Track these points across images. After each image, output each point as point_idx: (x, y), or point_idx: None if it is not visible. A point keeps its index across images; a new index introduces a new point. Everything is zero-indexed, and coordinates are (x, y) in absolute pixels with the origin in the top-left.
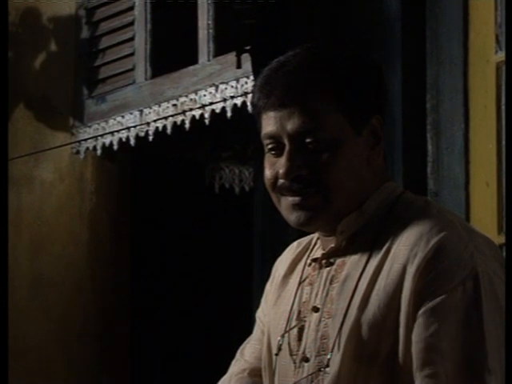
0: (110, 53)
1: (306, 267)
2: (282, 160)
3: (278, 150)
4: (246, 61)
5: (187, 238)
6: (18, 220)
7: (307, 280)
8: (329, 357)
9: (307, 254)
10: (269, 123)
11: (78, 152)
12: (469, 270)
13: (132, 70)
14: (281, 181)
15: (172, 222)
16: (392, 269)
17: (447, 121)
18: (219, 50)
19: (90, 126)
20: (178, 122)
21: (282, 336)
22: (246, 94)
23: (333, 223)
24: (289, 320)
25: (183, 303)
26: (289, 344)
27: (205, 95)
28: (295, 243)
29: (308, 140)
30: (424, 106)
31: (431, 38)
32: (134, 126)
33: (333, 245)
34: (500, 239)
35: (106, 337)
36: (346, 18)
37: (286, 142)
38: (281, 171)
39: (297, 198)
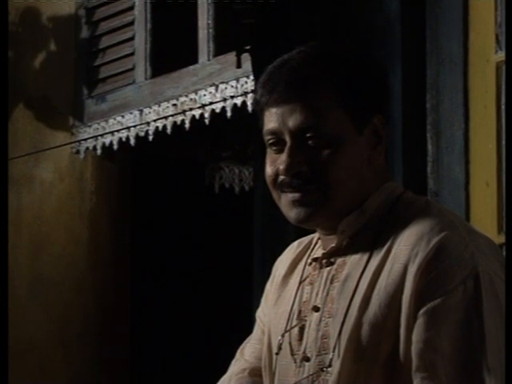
0: (109, 52)
1: (307, 267)
2: (283, 156)
3: (279, 146)
4: (246, 60)
5: (187, 238)
6: (18, 220)
7: (308, 279)
8: (330, 356)
9: (308, 253)
10: (271, 119)
11: (77, 152)
12: (469, 270)
13: (132, 69)
14: (281, 177)
15: (172, 221)
16: (393, 269)
17: (447, 121)
18: (219, 50)
19: (89, 126)
20: (178, 122)
21: (283, 335)
22: (245, 93)
23: (332, 221)
24: (289, 319)
25: (183, 303)
26: (290, 343)
27: (205, 95)
28: (296, 243)
29: (309, 136)
30: (424, 106)
31: (431, 38)
32: (134, 126)
33: (333, 244)
34: (500, 239)
35: (106, 337)
36: (346, 18)
37: (287, 138)
38: (281, 167)
39: (297, 195)
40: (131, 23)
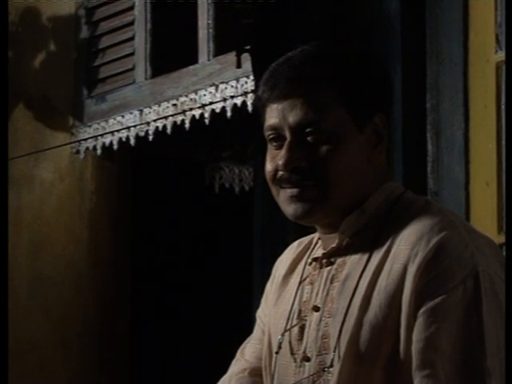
0: (109, 52)
1: (307, 266)
2: (282, 152)
3: (279, 142)
4: (246, 60)
5: (187, 238)
6: (18, 220)
7: (308, 279)
8: (331, 357)
9: (308, 253)
10: (272, 115)
11: (77, 152)
12: (469, 270)
13: (132, 69)
14: (280, 172)
15: (172, 221)
16: (393, 268)
17: (447, 120)
18: (219, 50)
19: (89, 126)
20: (178, 122)
21: (283, 334)
22: (245, 93)
23: (331, 218)
24: (289, 319)
25: (183, 303)
26: (290, 343)
27: (205, 95)
28: (296, 243)
29: (309, 132)
30: (424, 106)
31: (431, 38)
32: (134, 126)
33: (333, 244)
34: (500, 239)
35: (106, 336)
36: (346, 18)
37: (287, 133)
38: (280, 162)
39: (295, 190)
40: (131, 23)
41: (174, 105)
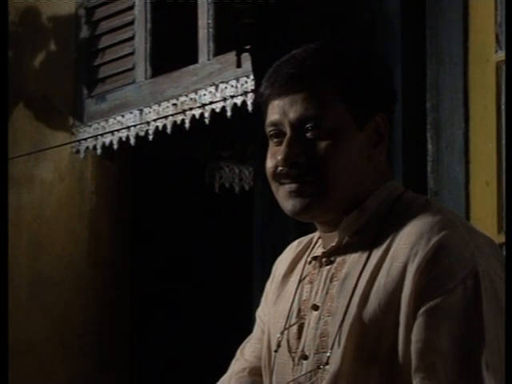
0: (109, 52)
1: (306, 265)
2: (282, 147)
3: (279, 138)
4: (246, 60)
5: (187, 238)
6: (18, 219)
7: (307, 278)
8: (328, 354)
9: (308, 252)
10: (273, 112)
11: (77, 151)
12: (469, 269)
13: (132, 69)
14: (279, 168)
15: (172, 221)
16: (392, 267)
17: (447, 120)
18: (219, 50)
19: (89, 126)
20: (178, 122)
21: (282, 333)
22: (245, 93)
23: (329, 214)
24: (288, 318)
25: (183, 303)
26: (288, 341)
27: (205, 94)
28: (295, 242)
29: (308, 127)
30: (424, 106)
31: (431, 38)
32: (134, 126)
33: (333, 243)
34: (500, 238)
35: (106, 336)
36: (346, 18)
37: (287, 129)
38: (279, 157)
39: (293, 185)
40: (131, 23)
41: (174, 104)
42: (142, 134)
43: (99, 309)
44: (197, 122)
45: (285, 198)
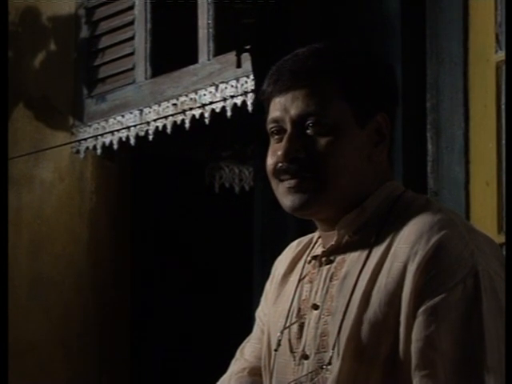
0: (109, 52)
1: (306, 265)
2: (282, 143)
3: (280, 135)
4: (246, 60)
5: (187, 238)
6: (18, 219)
7: (307, 277)
8: (330, 354)
9: (307, 252)
10: (274, 108)
11: (77, 151)
12: (469, 269)
13: (132, 69)
14: (279, 164)
15: (172, 221)
16: (392, 267)
17: (447, 120)
18: (219, 50)
19: (89, 126)
20: (178, 122)
21: (282, 332)
22: (245, 93)
23: (328, 212)
24: (288, 317)
25: (183, 303)
26: (289, 341)
27: (205, 94)
28: (295, 242)
29: (309, 124)
30: (424, 106)
31: (431, 38)
32: (134, 126)
33: (333, 242)
34: (500, 238)
35: (106, 336)
36: (346, 18)
37: (288, 125)
38: (279, 153)
39: (292, 181)
40: (131, 23)
41: (174, 104)
42: (142, 133)
43: (99, 309)
44: (197, 121)
45: (284, 194)
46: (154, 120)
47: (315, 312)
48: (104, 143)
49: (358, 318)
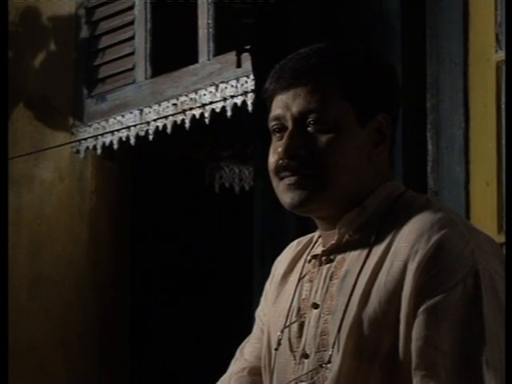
0: (109, 52)
1: (306, 264)
2: (283, 140)
3: (282, 133)
4: (246, 60)
5: (187, 238)
6: (18, 219)
7: (307, 277)
8: (330, 353)
9: (307, 251)
10: (276, 106)
11: (77, 151)
12: (469, 268)
13: (132, 69)
14: (280, 161)
15: (172, 221)
16: (393, 266)
17: (447, 120)
18: (219, 50)
19: (89, 126)
20: (178, 122)
21: (282, 331)
22: (246, 93)
23: (328, 210)
24: (288, 316)
25: (183, 302)
26: (289, 340)
27: (205, 94)
28: (295, 242)
29: (310, 121)
30: (424, 106)
31: (431, 38)
32: (134, 126)
33: (333, 241)
34: (500, 238)
35: (106, 336)
36: (346, 18)
37: (289, 123)
38: (279, 150)
39: (292, 178)
40: (131, 23)
41: (174, 104)
42: (142, 133)
43: (99, 309)
44: (197, 121)
45: (284, 191)
46: (154, 120)
47: (315, 311)
48: (104, 143)
49: (357, 317)
